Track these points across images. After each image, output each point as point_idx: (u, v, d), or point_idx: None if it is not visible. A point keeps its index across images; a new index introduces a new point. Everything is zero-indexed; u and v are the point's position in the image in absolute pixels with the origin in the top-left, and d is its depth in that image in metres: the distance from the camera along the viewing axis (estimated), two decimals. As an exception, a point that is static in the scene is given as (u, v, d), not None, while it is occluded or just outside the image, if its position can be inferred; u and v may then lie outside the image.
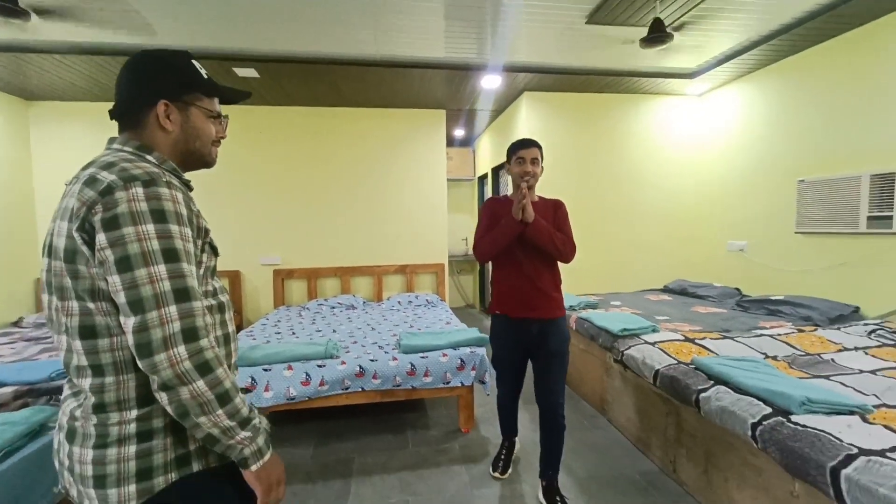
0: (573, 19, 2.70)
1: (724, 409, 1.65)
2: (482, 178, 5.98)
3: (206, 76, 0.90)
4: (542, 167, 1.92)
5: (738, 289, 3.67)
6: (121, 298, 0.70)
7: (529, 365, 2.03)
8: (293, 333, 3.12)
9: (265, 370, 2.35)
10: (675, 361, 2.10)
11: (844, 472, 1.21)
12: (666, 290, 4.07)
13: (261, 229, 4.25)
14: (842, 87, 2.89)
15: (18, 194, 3.79)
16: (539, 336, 1.90)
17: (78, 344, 0.74)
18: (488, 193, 5.61)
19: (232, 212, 4.17)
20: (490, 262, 2.00)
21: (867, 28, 2.73)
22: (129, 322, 0.70)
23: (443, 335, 2.76)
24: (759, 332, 2.55)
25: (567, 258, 1.87)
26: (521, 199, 1.76)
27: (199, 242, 0.82)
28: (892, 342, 2.28)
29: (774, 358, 2.12)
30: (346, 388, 2.38)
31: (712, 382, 1.82)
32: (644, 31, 2.78)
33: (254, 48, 3.06)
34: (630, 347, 2.40)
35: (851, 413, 1.49)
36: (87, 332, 0.73)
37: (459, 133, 5.75)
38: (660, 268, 4.29)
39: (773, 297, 3.08)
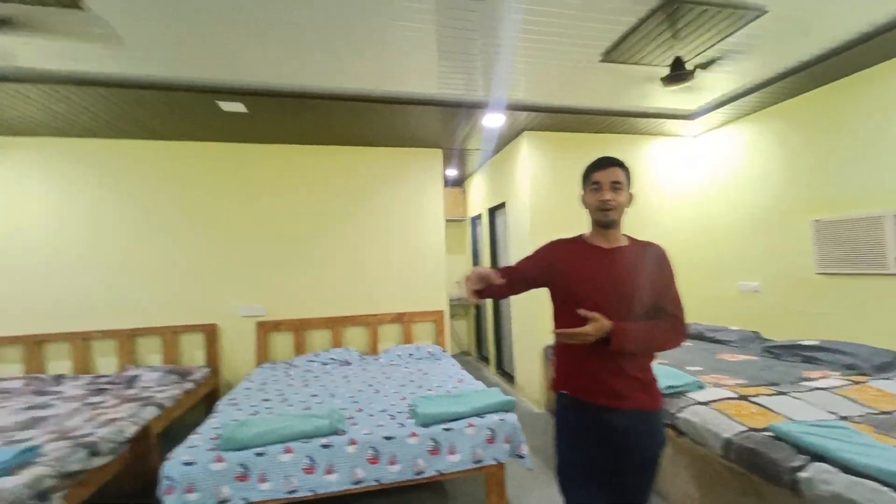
0: (588, 57, 2.60)
1: (840, 497, 1.38)
2: (475, 219, 5.79)
3: None
4: (631, 194, 1.44)
5: (756, 332, 3.52)
6: None
7: None
8: (285, 399, 2.68)
9: (258, 454, 1.92)
10: (746, 428, 1.84)
11: None
12: (680, 333, 3.88)
13: (241, 277, 3.82)
14: (844, 129, 2.89)
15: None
16: (627, 434, 1.33)
17: None
18: (482, 234, 5.41)
19: (210, 258, 3.75)
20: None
21: (865, 73, 2.77)
22: None
23: (461, 398, 2.41)
24: (808, 384, 2.34)
25: (678, 344, 1.37)
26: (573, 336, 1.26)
27: None
28: (955, 393, 2.12)
29: (848, 418, 1.90)
30: (359, 483, 1.96)
31: (807, 457, 1.56)
32: (658, 71, 2.73)
33: (242, 80, 2.80)
34: (682, 409, 2.13)
35: None
36: None
37: (451, 173, 5.59)
38: (670, 310, 4.12)
39: (804, 343, 2.92)
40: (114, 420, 2.32)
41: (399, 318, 4.07)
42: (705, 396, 2.19)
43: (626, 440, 1.33)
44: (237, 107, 3.05)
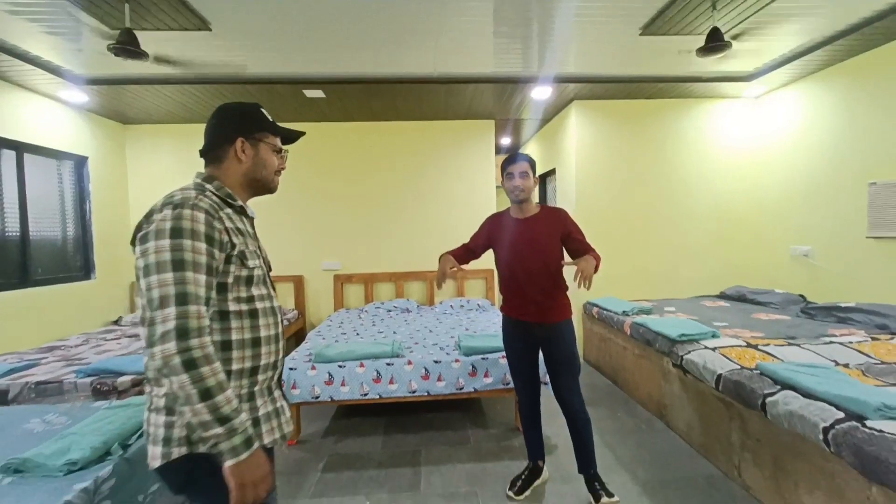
0: (627, 32, 2.77)
1: (793, 413, 1.67)
2: (528, 185, 6.05)
3: (271, 119, 1.12)
4: (536, 179, 1.99)
5: (802, 295, 3.55)
6: (142, 299, 0.87)
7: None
8: (357, 334, 3.35)
9: (340, 367, 2.57)
10: (739, 366, 2.12)
11: (925, 475, 1.23)
12: (723, 296, 3.99)
13: (323, 237, 4.55)
14: (917, 86, 2.78)
15: (116, 206, 4.29)
16: (544, 340, 1.98)
17: (141, 330, 0.90)
18: (534, 198, 5.69)
19: (297, 221, 4.51)
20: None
21: (945, 24, 2.62)
22: (145, 317, 0.87)
23: (498, 337, 2.87)
24: (827, 339, 2.49)
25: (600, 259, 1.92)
26: None
27: (221, 255, 0.93)
28: (980, 352, 2.18)
29: (846, 366, 2.09)
30: (414, 392, 2.55)
31: (779, 387, 1.84)
32: (700, 40, 2.80)
33: (322, 72, 3.33)
34: (690, 352, 2.43)
35: (932, 421, 1.48)
36: (142, 322, 0.89)
37: (506, 141, 5.87)
38: (716, 273, 4.20)
39: (842, 305, 2.97)
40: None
41: (453, 274, 4.59)
42: (715, 344, 2.45)
43: (545, 344, 1.99)
44: (317, 93, 3.63)
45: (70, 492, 1.33)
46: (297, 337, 4.34)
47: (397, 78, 3.46)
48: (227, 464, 0.86)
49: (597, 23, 2.66)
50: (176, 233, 0.88)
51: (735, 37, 2.83)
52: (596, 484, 1.97)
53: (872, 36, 2.86)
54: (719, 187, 4.18)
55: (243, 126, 1.08)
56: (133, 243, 0.93)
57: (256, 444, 0.91)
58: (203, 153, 1.09)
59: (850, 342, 2.39)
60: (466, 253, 2.12)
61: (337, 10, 2.45)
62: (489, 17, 2.59)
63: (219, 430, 0.85)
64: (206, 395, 0.84)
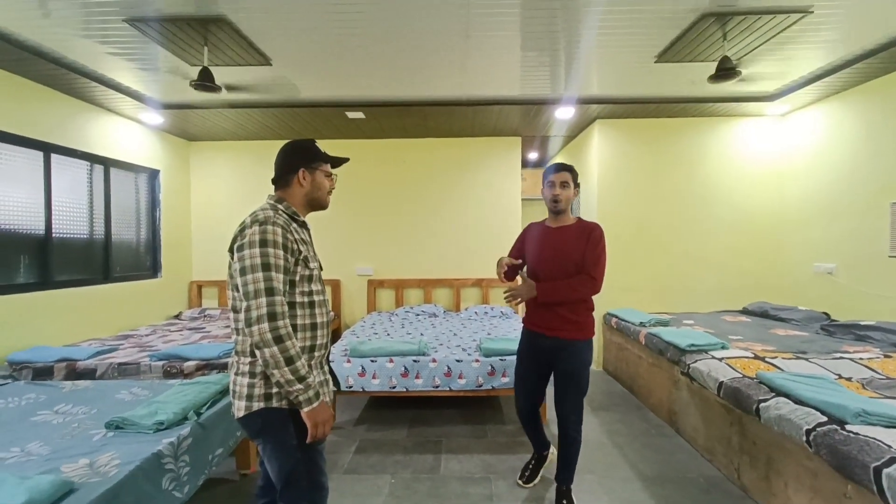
0: (643, 60, 2.96)
1: (782, 417, 1.81)
2: (554, 198, 6.23)
3: (323, 151, 1.44)
4: (577, 189, 1.95)
5: (826, 313, 3.56)
6: (241, 291, 1.20)
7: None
8: (388, 334, 3.65)
9: (372, 361, 2.87)
10: (740, 375, 2.25)
11: (886, 471, 1.36)
12: (745, 311, 4.02)
13: (358, 244, 4.93)
14: (939, 108, 2.81)
15: (180, 213, 4.82)
16: (553, 353, 1.96)
17: (233, 315, 1.25)
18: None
19: (336, 229, 4.90)
20: None
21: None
22: (242, 305, 1.19)
23: (517, 341, 3.09)
24: (839, 355, 2.56)
25: (588, 294, 1.88)
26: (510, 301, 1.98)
27: (292, 259, 1.25)
28: None
29: (849, 379, 2.17)
30: (437, 387, 2.81)
31: (774, 394, 1.97)
32: (713, 65, 2.96)
33: (362, 96, 3.71)
34: (697, 361, 2.56)
35: (912, 428, 1.59)
36: (234, 309, 1.24)
37: (533, 155, 6.09)
38: (739, 289, 4.24)
39: (862, 323, 3.00)
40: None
41: (479, 283, 4.84)
42: (723, 354, 2.57)
43: (553, 357, 1.99)
44: (358, 115, 4.01)
45: (160, 444, 1.67)
46: (332, 336, 4.69)
47: (428, 101, 3.78)
48: (305, 410, 1.21)
49: (613, 52, 2.88)
50: (263, 243, 1.20)
51: (752, 61, 2.97)
52: (564, 501, 2.00)
53: (889, 60, 2.91)
54: (744, 203, 4.23)
55: (303, 159, 1.40)
56: (231, 251, 1.26)
57: (322, 397, 1.26)
58: (274, 180, 1.43)
59: (861, 358, 2.45)
60: (512, 268, 2.07)
61: (375, 45, 2.80)
62: (510, 46, 2.85)
63: (299, 386, 1.19)
64: (290, 361, 1.17)
